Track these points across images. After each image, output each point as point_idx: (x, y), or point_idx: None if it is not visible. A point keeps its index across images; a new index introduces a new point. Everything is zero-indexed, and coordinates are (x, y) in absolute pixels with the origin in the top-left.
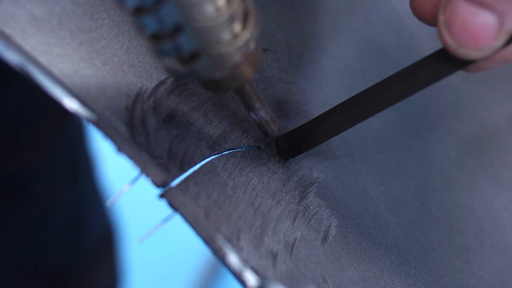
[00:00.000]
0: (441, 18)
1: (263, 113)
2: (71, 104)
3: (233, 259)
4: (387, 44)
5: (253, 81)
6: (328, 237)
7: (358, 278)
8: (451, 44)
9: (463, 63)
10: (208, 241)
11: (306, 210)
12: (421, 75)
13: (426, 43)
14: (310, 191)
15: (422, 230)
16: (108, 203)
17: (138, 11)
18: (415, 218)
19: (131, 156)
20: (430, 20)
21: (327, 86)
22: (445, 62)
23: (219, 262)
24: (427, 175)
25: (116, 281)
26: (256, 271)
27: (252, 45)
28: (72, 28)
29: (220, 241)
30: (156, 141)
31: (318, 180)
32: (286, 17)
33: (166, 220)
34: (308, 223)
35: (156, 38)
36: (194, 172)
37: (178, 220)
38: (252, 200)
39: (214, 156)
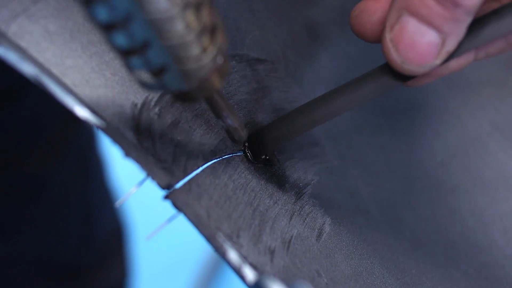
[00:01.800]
0: (388, 36)
1: (230, 121)
2: (81, 112)
3: (233, 255)
4: (379, 54)
5: (221, 91)
6: (322, 235)
7: (351, 273)
8: (397, 60)
9: (404, 78)
10: (210, 239)
11: (302, 210)
12: (364, 89)
13: None
14: (305, 192)
15: (410, 228)
16: (117, 204)
17: (109, 28)
18: (404, 217)
19: (138, 161)
20: (369, 38)
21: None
22: (387, 77)
23: (220, 258)
24: (415, 176)
25: (125, 275)
26: (255, 267)
27: (219, 59)
28: (83, 41)
29: (221, 238)
30: (161, 146)
31: (312, 182)
32: (282, 30)
33: (171, 219)
34: (304, 222)
35: (126, 53)
36: (197, 175)
37: (182, 219)
38: (251, 201)
39: (215, 160)
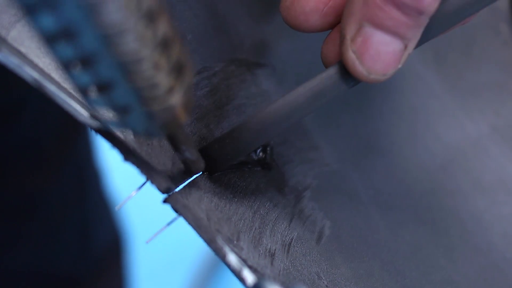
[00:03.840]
0: (350, 48)
1: (189, 154)
2: (81, 116)
3: (233, 258)
4: None
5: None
6: (322, 238)
7: (351, 275)
8: (363, 72)
9: (358, 81)
10: (210, 242)
11: (301, 213)
12: (324, 91)
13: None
14: (305, 195)
15: (410, 230)
16: (117, 208)
17: (72, 65)
18: (403, 220)
19: (137, 165)
20: (305, 28)
21: None
22: (344, 78)
23: (220, 261)
24: (414, 179)
25: (124, 285)
26: (255, 270)
27: (185, 97)
28: None
29: (221, 241)
30: (161, 150)
31: (311, 185)
32: (281, 34)
33: (171, 222)
34: (303, 225)
35: (88, 90)
36: (197, 178)
37: (181, 222)
38: (251, 204)
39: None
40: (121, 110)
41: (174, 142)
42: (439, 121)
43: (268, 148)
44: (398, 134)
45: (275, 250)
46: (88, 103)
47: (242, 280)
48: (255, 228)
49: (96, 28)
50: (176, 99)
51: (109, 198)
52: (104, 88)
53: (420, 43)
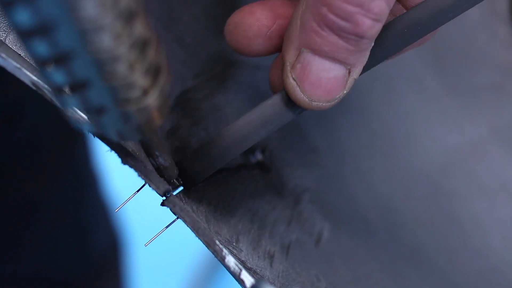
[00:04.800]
0: (290, 75)
1: (162, 160)
2: (80, 118)
3: (232, 260)
4: None
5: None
6: (321, 240)
7: (350, 278)
8: (304, 99)
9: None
10: (209, 244)
11: (300, 215)
12: (270, 119)
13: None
14: (303, 198)
15: (409, 233)
16: (115, 210)
17: (45, 63)
18: (402, 222)
19: (135, 168)
20: (248, 52)
21: None
22: (289, 106)
23: (219, 263)
24: (413, 181)
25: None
26: (254, 272)
27: (160, 100)
28: None
29: (220, 244)
30: (160, 153)
31: (310, 188)
32: None
33: (169, 225)
34: (302, 227)
35: (62, 90)
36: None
37: (180, 224)
38: (249, 206)
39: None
40: (96, 111)
41: (148, 147)
42: (438, 123)
43: (266, 151)
44: (397, 137)
45: (274, 252)
46: (61, 104)
47: (241, 282)
48: (254, 230)
49: (72, 23)
50: (151, 101)
51: (108, 201)
52: (78, 87)
53: (369, 66)
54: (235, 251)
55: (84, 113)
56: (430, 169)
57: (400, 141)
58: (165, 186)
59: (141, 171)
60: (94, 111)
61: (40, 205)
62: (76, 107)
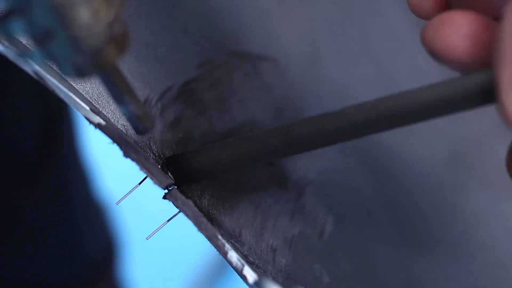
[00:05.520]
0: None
1: (133, 108)
2: (82, 110)
3: (234, 254)
4: (382, 52)
5: (121, 71)
6: (324, 233)
7: (353, 271)
8: None
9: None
10: (211, 238)
11: (304, 209)
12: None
13: (420, 53)
14: (307, 191)
15: (413, 226)
16: (116, 203)
17: None
18: (406, 216)
19: (137, 161)
20: (452, 55)
21: (324, 93)
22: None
23: (222, 258)
24: (418, 175)
25: None
26: (256, 266)
27: (117, 28)
28: None
29: (222, 238)
30: (163, 145)
31: (314, 181)
32: (284, 26)
33: (171, 218)
34: (305, 220)
35: (4, 14)
36: None
37: (182, 218)
38: (252, 199)
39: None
40: (42, 36)
41: (113, 91)
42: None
43: None
44: (401, 130)
45: (277, 245)
46: (4, 30)
47: (243, 277)
48: (257, 224)
49: None
50: (102, 26)
51: (100, 203)
52: (21, 10)
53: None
54: (237, 245)
55: (31, 40)
56: (434, 163)
57: (405, 134)
58: (167, 180)
59: (143, 165)
60: (40, 37)
61: (23, 211)
62: (21, 33)
